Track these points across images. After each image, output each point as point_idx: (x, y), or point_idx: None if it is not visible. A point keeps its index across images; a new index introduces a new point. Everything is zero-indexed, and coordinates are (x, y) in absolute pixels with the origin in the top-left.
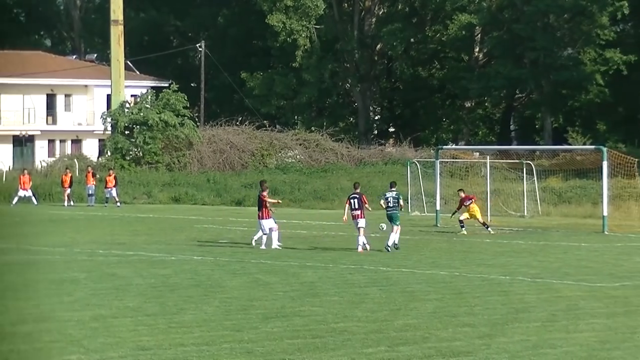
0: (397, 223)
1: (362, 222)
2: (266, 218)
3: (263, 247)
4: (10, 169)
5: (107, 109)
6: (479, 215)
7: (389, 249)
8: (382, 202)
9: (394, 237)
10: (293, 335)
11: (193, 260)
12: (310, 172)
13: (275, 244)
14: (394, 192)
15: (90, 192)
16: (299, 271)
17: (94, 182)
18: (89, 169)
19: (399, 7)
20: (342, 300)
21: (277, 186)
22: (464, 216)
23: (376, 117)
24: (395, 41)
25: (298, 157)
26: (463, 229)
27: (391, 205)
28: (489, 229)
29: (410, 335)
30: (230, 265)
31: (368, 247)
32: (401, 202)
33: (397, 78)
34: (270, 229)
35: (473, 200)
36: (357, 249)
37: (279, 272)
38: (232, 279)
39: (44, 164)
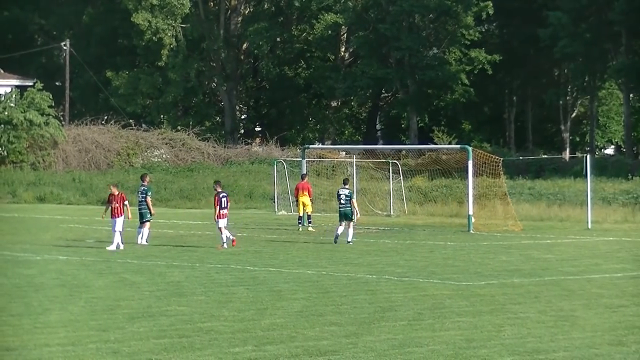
0: (351, 219)
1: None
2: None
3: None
4: None
5: None
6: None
7: (346, 241)
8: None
9: (350, 232)
10: (159, 335)
11: (59, 260)
12: (177, 171)
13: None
14: (347, 190)
15: None
16: (166, 270)
17: None
18: None
19: (265, 6)
20: (209, 300)
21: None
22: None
23: (242, 117)
24: (261, 40)
25: (164, 156)
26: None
27: (343, 202)
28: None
29: (277, 334)
30: (96, 265)
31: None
32: (353, 200)
33: (263, 77)
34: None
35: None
36: (223, 245)
37: (146, 271)
38: (98, 279)
39: None
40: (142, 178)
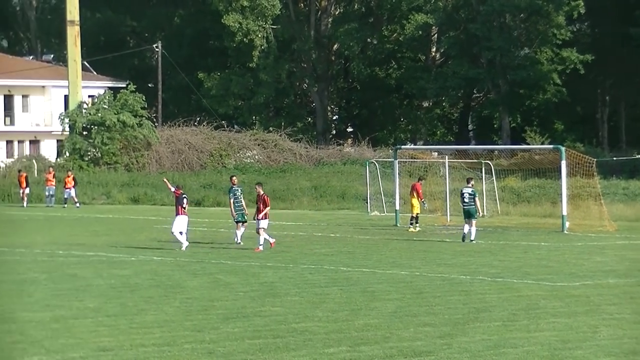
0: (474, 217)
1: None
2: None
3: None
4: None
5: (65, 110)
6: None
7: (469, 240)
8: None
9: (473, 231)
10: (254, 335)
11: (153, 260)
12: (269, 172)
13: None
14: (470, 189)
15: (50, 193)
16: (259, 271)
17: (54, 183)
18: (50, 169)
19: (355, 7)
20: (303, 301)
21: None
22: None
23: (334, 117)
24: (352, 41)
25: (256, 157)
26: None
27: (467, 201)
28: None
29: (371, 335)
30: (191, 265)
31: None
32: (477, 199)
33: (354, 78)
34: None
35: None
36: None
37: (239, 272)
38: (193, 280)
39: (2, 165)
40: (232, 179)
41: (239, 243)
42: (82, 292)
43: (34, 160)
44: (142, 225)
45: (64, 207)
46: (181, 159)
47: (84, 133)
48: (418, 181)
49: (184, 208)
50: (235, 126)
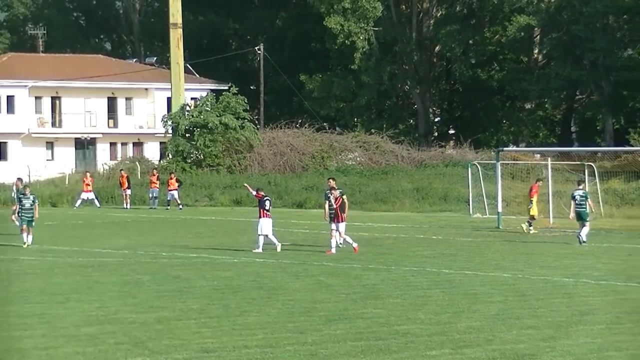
0: (586, 219)
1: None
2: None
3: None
4: (73, 171)
5: (168, 112)
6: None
7: (583, 242)
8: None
9: (584, 232)
10: (356, 337)
11: (255, 262)
12: (371, 174)
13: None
14: (581, 191)
15: (153, 195)
16: (361, 273)
17: (158, 185)
18: (154, 171)
19: (457, 8)
20: (405, 303)
21: (337, 188)
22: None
23: (436, 119)
24: (454, 43)
25: (358, 159)
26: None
27: (579, 203)
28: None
29: (474, 337)
30: (293, 267)
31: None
32: (589, 201)
33: (456, 80)
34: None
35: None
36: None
37: (341, 274)
38: (295, 281)
39: (106, 167)
40: (329, 182)
41: (341, 245)
42: (185, 294)
43: (137, 163)
44: (244, 227)
45: (167, 209)
46: (283, 161)
47: (187, 135)
48: (535, 182)
49: (267, 210)
50: (337, 128)
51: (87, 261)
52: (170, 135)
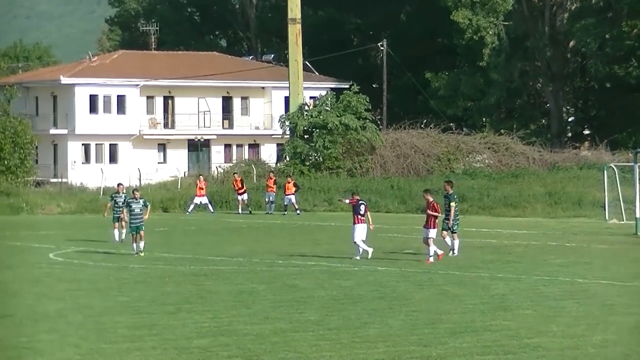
0: None
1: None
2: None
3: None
4: (185, 175)
5: (285, 112)
6: None
7: None
8: None
9: None
10: (483, 351)
11: (377, 271)
12: (500, 177)
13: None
14: None
15: (270, 199)
16: (490, 283)
17: (274, 189)
18: (271, 174)
19: (593, 1)
20: (536, 314)
21: (464, 192)
22: None
23: (569, 119)
24: (589, 37)
25: (486, 161)
26: None
27: None
28: None
29: (610, 352)
30: (417, 276)
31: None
32: None
33: (591, 77)
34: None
35: None
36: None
37: (468, 283)
38: (419, 291)
39: (220, 170)
40: (445, 186)
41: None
42: (303, 304)
43: (252, 165)
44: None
45: (284, 214)
46: (407, 164)
47: (305, 137)
48: None
49: (362, 216)
50: (464, 128)
51: (199, 269)
52: (288, 136)
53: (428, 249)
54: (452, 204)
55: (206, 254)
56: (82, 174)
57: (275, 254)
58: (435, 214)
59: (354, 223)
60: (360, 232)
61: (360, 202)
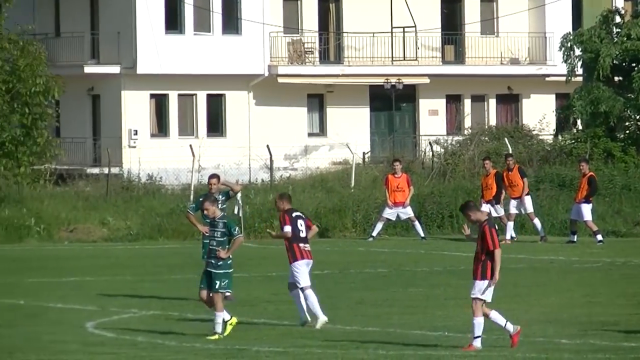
0: None
1: None
2: None
3: None
4: (366, 158)
5: (574, 29)
6: None
7: None
8: None
9: None
10: None
11: None
12: None
13: None
14: None
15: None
16: None
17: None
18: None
19: None
20: None
21: None
22: None
23: None
24: None
25: None
26: None
27: None
28: None
29: None
30: None
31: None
32: None
33: None
34: None
35: None
36: None
37: None
38: None
39: (437, 148)
40: None
41: None
42: None
43: (507, 139)
44: None
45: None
46: None
47: (616, 79)
48: None
49: None
50: None
51: None
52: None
53: None
54: None
55: None
56: (152, 156)
57: None
58: None
59: None
60: None
61: None
